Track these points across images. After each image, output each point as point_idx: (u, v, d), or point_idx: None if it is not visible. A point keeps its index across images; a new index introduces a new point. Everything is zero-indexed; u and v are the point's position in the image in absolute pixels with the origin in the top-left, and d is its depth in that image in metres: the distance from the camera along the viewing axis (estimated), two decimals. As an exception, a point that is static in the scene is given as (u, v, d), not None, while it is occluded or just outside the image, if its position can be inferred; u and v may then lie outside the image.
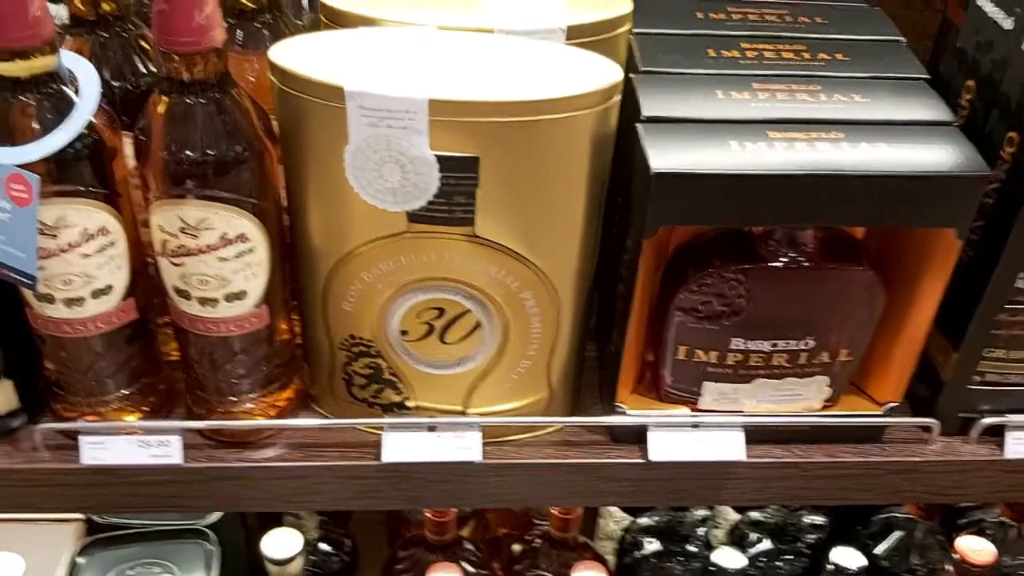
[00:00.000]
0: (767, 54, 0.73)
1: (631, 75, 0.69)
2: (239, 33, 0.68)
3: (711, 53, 0.72)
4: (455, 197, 0.61)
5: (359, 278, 0.65)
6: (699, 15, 0.77)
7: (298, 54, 0.61)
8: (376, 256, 0.64)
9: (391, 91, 0.57)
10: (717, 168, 0.61)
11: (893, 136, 0.64)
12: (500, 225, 0.63)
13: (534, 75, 0.61)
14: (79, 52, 0.64)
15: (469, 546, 1.01)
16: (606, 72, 0.61)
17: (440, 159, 0.59)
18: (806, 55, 0.73)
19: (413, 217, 0.62)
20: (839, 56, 0.73)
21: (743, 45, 0.74)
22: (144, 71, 0.67)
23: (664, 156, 0.61)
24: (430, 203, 0.61)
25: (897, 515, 1.01)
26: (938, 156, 0.63)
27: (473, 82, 0.59)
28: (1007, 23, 0.67)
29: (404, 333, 0.68)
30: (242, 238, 0.62)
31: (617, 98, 0.62)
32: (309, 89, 0.59)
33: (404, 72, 0.60)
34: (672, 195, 0.62)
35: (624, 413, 0.73)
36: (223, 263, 0.63)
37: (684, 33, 0.75)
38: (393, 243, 0.63)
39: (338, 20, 0.67)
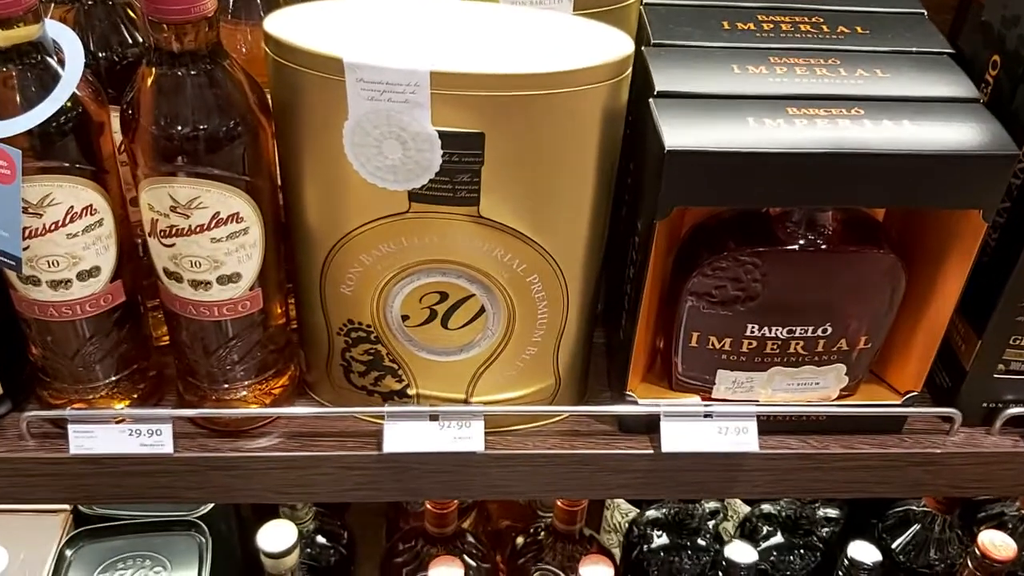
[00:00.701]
0: (784, 26, 0.70)
1: (643, 48, 0.66)
2: (231, 1, 0.65)
3: (726, 25, 0.69)
4: (459, 175, 0.58)
5: (358, 260, 0.63)
6: (712, -14, 0.74)
7: (294, 24, 0.58)
8: (376, 237, 0.61)
9: (392, 63, 0.54)
10: (735, 146, 0.58)
11: (916, 113, 0.61)
12: (506, 205, 0.60)
13: (541, 47, 0.58)
14: (63, 21, 0.61)
15: (471, 538, 0.98)
16: (617, 44, 0.58)
17: (443, 135, 0.56)
18: (824, 27, 0.70)
19: (415, 196, 0.59)
20: (859, 29, 0.69)
21: (759, 17, 0.70)
22: (131, 41, 0.64)
23: (679, 133, 0.58)
24: (432, 181, 0.58)
25: (914, 508, 0.98)
26: (963, 134, 0.60)
27: (478, 54, 0.56)
28: (1037, -5, 0.64)
29: (405, 318, 0.65)
30: (235, 218, 0.60)
31: (628, 72, 0.59)
32: (306, 61, 0.56)
33: (405, 43, 0.57)
34: (687, 174, 0.59)
35: (635, 402, 0.70)
36: (216, 244, 0.60)
37: (697, 4, 0.72)
38: (394, 224, 0.60)
39: (337, -11, 0.64)
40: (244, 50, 0.66)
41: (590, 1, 0.63)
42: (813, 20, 0.71)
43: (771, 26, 0.70)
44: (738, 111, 0.60)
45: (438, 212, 0.60)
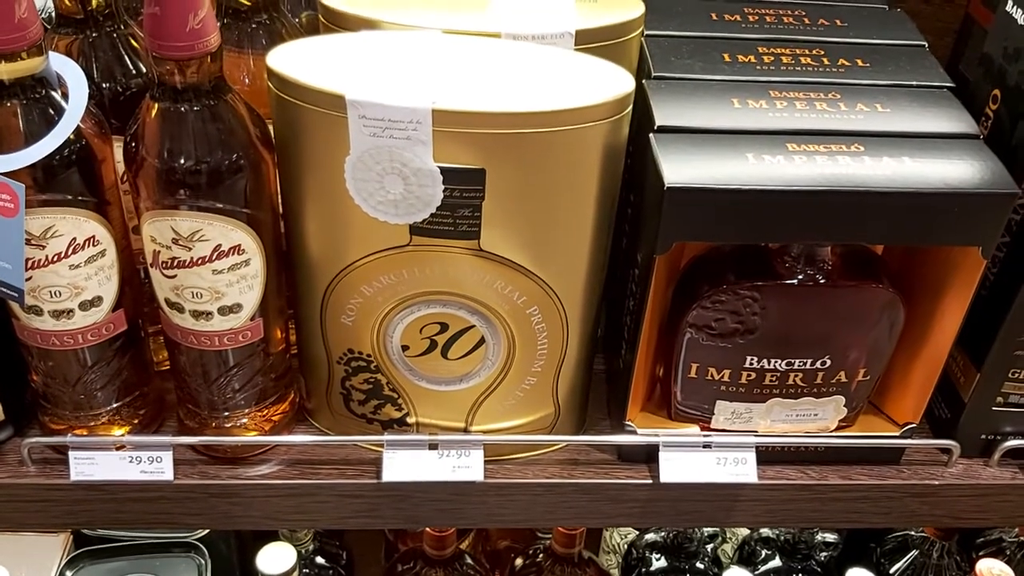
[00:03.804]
0: (784, 59, 0.70)
1: (643, 81, 0.66)
2: (234, 33, 0.65)
3: (726, 58, 0.69)
4: (460, 210, 0.58)
5: (359, 292, 0.63)
6: (713, 16, 0.74)
7: (297, 60, 0.58)
8: (377, 269, 0.61)
9: (394, 100, 0.54)
10: (734, 183, 0.58)
11: (916, 149, 0.61)
12: (506, 239, 0.60)
13: (543, 83, 0.58)
14: (66, 52, 0.61)
15: (469, 560, 0.99)
16: (618, 82, 0.58)
17: (444, 171, 0.56)
18: (825, 60, 0.70)
19: (416, 230, 0.59)
20: (859, 62, 0.70)
21: (760, 49, 0.71)
22: (135, 71, 0.64)
23: (678, 169, 0.58)
24: (434, 216, 0.58)
25: (912, 534, 0.98)
26: (964, 172, 0.60)
27: (479, 91, 0.57)
28: (1037, 31, 0.64)
29: (405, 348, 0.65)
30: (237, 250, 0.60)
31: (628, 109, 0.59)
32: (308, 97, 0.56)
33: (407, 79, 0.57)
34: (687, 211, 0.59)
35: (634, 432, 0.71)
36: (217, 275, 0.60)
37: (698, 36, 0.72)
38: (395, 256, 0.61)
39: (338, 22, 0.64)
40: (247, 81, 0.66)
41: (592, 36, 0.63)
42: (814, 52, 0.71)
43: (772, 59, 0.70)
44: (738, 147, 0.60)
45: (439, 245, 0.60)
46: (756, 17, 0.75)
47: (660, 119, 0.62)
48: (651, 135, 0.61)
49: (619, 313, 0.72)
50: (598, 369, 0.78)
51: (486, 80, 0.58)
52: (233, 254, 0.60)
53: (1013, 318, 0.66)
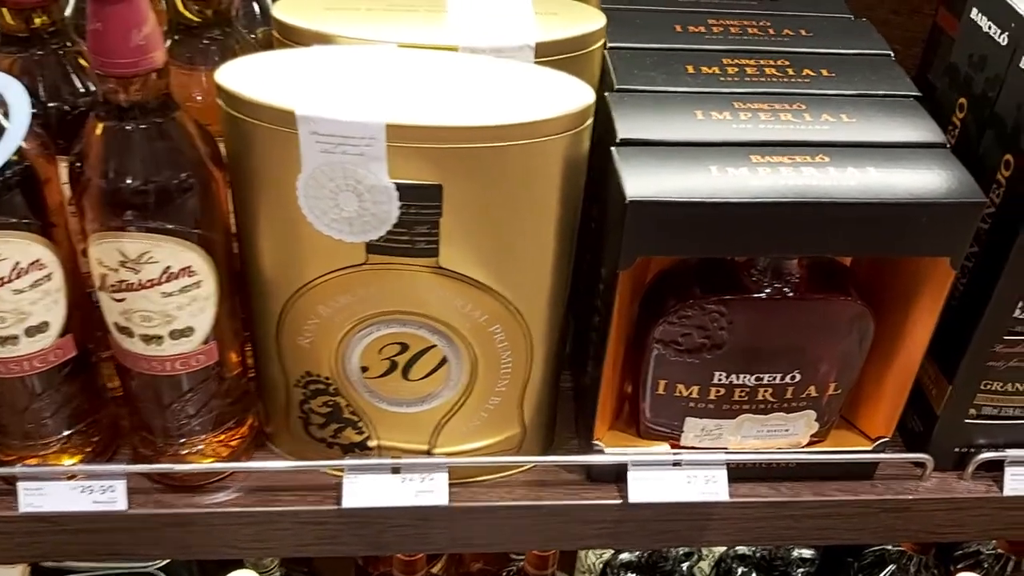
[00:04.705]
0: (749, 70, 0.69)
1: (606, 94, 0.65)
2: (186, 50, 0.64)
3: (690, 69, 0.68)
4: (417, 227, 0.57)
5: (315, 312, 0.61)
6: (677, 28, 0.73)
7: (247, 75, 0.57)
8: (333, 289, 0.60)
9: (346, 115, 0.53)
10: (697, 196, 0.57)
11: (882, 159, 0.60)
12: (466, 256, 0.58)
13: (501, 97, 0.57)
14: (10, 71, 0.59)
15: (442, 583, 0.97)
16: (577, 94, 0.57)
17: (400, 187, 0.55)
18: (790, 71, 0.69)
19: (372, 248, 0.58)
20: (824, 72, 0.69)
21: (724, 60, 0.70)
22: (83, 90, 0.62)
23: (640, 183, 0.57)
24: (390, 233, 0.57)
25: (890, 548, 0.97)
26: (930, 181, 0.59)
27: (435, 105, 0.55)
28: (1002, 38, 0.64)
29: (364, 369, 0.64)
30: (187, 271, 0.58)
31: (589, 122, 0.58)
32: (258, 113, 0.55)
33: (361, 94, 0.55)
34: (649, 225, 0.58)
35: (601, 451, 0.69)
36: (167, 298, 0.58)
37: (662, 48, 0.71)
38: (351, 275, 0.59)
39: (292, 36, 0.62)
40: (200, 98, 0.64)
41: (552, 49, 0.62)
42: (779, 63, 0.70)
43: (736, 70, 0.69)
44: (701, 159, 0.59)
45: (396, 263, 0.58)
46: (720, 28, 0.74)
47: (622, 132, 0.61)
48: (613, 148, 0.60)
49: (586, 329, 0.70)
50: (566, 387, 0.76)
51: (442, 94, 0.56)
52: (183, 276, 0.58)
53: (984, 329, 0.65)
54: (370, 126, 0.53)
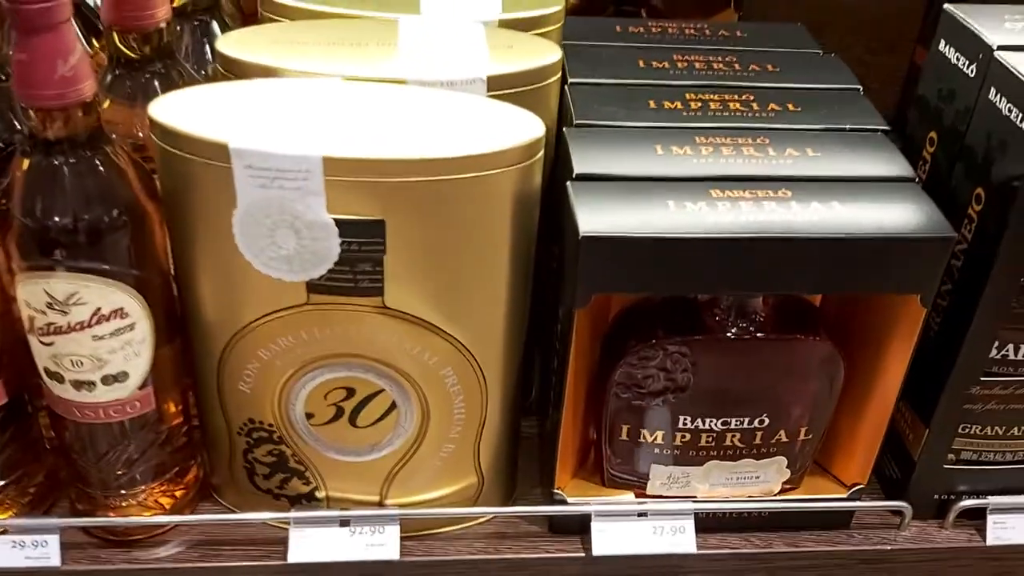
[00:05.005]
0: (713, 105, 0.67)
1: (564, 129, 0.63)
2: (126, 84, 0.61)
3: (652, 104, 0.66)
4: (360, 265, 0.54)
5: (256, 356, 0.58)
6: (641, 63, 0.71)
7: (183, 109, 0.54)
8: (274, 331, 0.57)
9: (282, 148, 0.51)
10: (653, 231, 0.54)
11: (847, 194, 0.58)
12: (413, 295, 0.56)
13: (447, 130, 0.54)
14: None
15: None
16: (527, 126, 0.55)
17: (340, 223, 0.52)
18: (755, 105, 0.67)
19: (313, 287, 0.55)
20: (790, 106, 0.67)
21: (687, 95, 0.68)
22: (16, 126, 0.60)
23: (594, 218, 0.55)
24: (332, 272, 0.54)
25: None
26: (897, 216, 0.56)
27: (378, 138, 0.53)
28: (970, 70, 0.62)
29: (309, 416, 0.61)
30: (119, 313, 0.55)
31: (540, 156, 0.56)
32: (191, 147, 0.52)
33: (300, 127, 0.53)
34: (604, 261, 0.55)
35: (563, 501, 0.66)
36: (98, 341, 0.55)
37: (624, 83, 0.69)
38: (293, 316, 0.56)
39: (236, 70, 0.60)
40: (141, 134, 0.62)
41: (505, 82, 0.60)
42: (743, 98, 0.68)
43: (699, 105, 0.67)
44: (659, 194, 0.57)
45: (340, 303, 0.56)
46: (686, 64, 0.72)
47: (578, 167, 0.59)
48: (568, 183, 0.58)
49: (550, 375, 0.67)
50: (531, 433, 0.73)
51: (386, 127, 0.54)
52: (115, 318, 0.55)
53: (959, 370, 0.62)
54: (306, 159, 0.50)
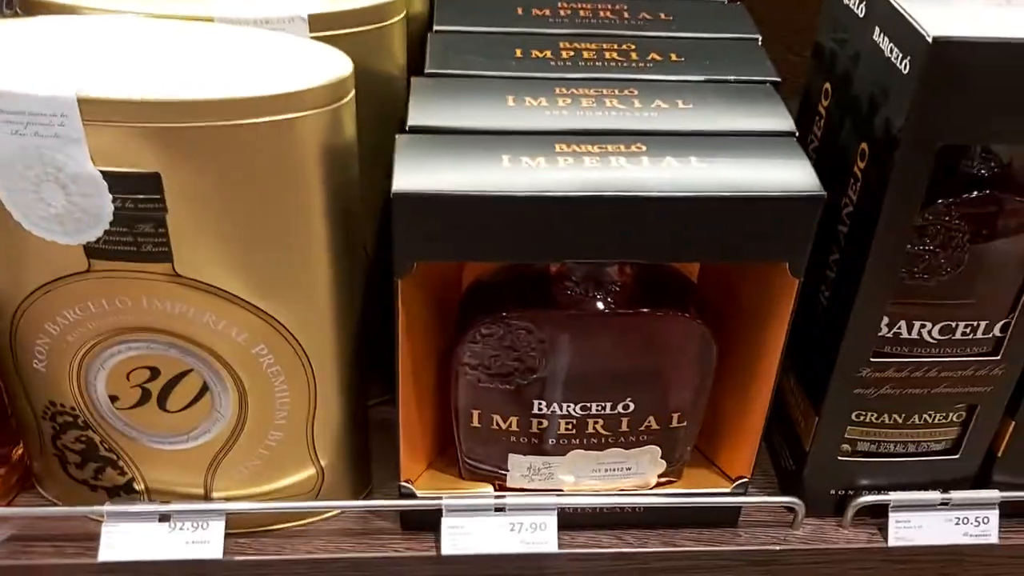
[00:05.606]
0: (586, 54, 0.60)
1: (411, 78, 0.56)
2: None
3: (518, 53, 0.59)
4: (139, 225, 0.47)
5: (44, 330, 0.52)
6: (519, 11, 0.65)
7: (-54, 47, 0.48)
8: (57, 302, 0.50)
9: (30, 88, 0.44)
10: (474, 189, 0.47)
11: (711, 149, 0.51)
12: (208, 261, 0.49)
13: (242, 70, 0.47)
14: None
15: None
16: (333, 65, 0.48)
17: (109, 176, 0.46)
18: (633, 55, 0.60)
19: (93, 252, 0.48)
20: (673, 56, 0.60)
21: (561, 44, 0.61)
22: None
23: (412, 175, 0.48)
24: (109, 233, 0.47)
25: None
26: (764, 174, 0.49)
27: (155, 78, 0.46)
28: (860, 9, 0.55)
29: (114, 399, 0.54)
30: None
31: (350, 98, 0.49)
32: (-56, 90, 0.46)
33: (68, 68, 0.46)
34: (423, 224, 0.48)
35: (411, 495, 0.59)
36: None
37: (494, 31, 0.62)
38: (75, 285, 0.50)
39: (36, 11, 0.54)
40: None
41: (331, 22, 0.53)
42: (623, 47, 0.61)
43: (571, 54, 0.60)
44: (496, 149, 0.50)
45: (125, 271, 0.49)
46: (568, 11, 0.65)
47: (413, 119, 0.52)
48: (396, 136, 0.51)
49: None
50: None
51: (170, 67, 0.47)
52: None
53: (847, 349, 0.55)
54: (58, 100, 0.44)
